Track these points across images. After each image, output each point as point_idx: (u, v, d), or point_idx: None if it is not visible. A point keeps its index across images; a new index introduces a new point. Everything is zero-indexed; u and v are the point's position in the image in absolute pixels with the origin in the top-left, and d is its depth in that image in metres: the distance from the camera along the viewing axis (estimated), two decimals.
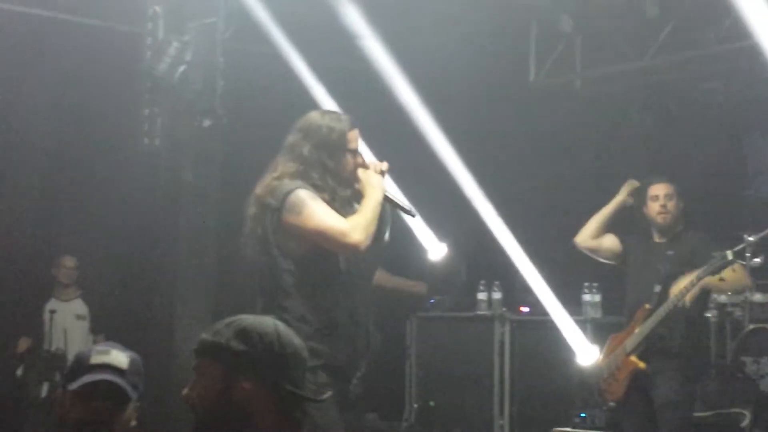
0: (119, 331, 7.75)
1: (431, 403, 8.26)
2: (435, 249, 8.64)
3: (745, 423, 6.80)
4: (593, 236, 6.70)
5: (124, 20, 8.13)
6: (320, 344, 4.24)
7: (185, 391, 2.80)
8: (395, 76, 8.18)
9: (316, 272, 4.37)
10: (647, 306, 6.17)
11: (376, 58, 8.11)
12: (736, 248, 7.17)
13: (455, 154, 8.25)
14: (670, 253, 6.24)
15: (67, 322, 8.46)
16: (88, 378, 3.16)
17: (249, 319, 2.84)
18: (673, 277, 6.13)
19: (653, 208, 6.44)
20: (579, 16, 9.13)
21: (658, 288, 6.16)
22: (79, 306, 8.66)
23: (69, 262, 8.67)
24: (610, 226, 6.70)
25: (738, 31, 7.74)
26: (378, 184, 4.46)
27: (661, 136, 9.69)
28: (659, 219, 6.41)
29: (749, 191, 9.73)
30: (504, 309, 8.22)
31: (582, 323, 7.79)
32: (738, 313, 7.41)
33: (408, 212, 4.76)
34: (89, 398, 3.15)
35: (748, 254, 7.30)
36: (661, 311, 6.09)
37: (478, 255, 8.68)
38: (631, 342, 6.19)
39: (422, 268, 8.80)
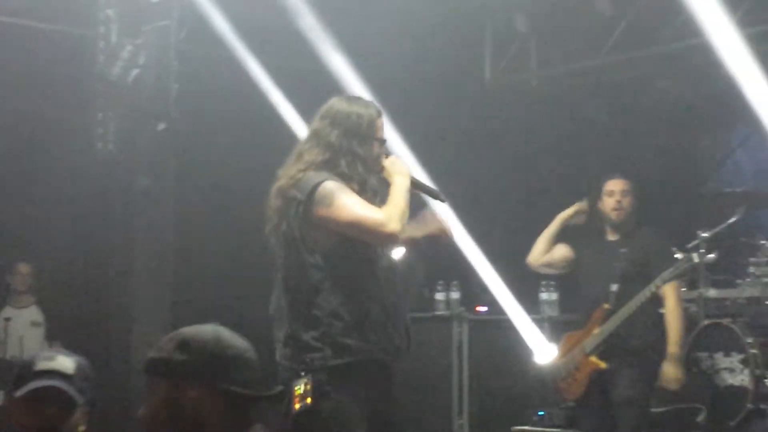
0: (75, 338, 7.70)
1: None
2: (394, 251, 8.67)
3: (701, 417, 6.86)
4: (543, 253, 6.71)
5: (76, 24, 8.07)
6: (354, 340, 4.12)
7: (140, 411, 2.81)
8: (351, 77, 8.17)
9: (345, 266, 4.20)
10: (606, 306, 6.18)
11: (331, 59, 8.10)
12: (690, 245, 7.27)
13: (411, 153, 8.24)
14: (623, 251, 6.24)
15: (23, 329, 8.40)
16: (34, 384, 3.16)
17: (189, 330, 2.83)
18: (630, 275, 6.15)
19: (608, 203, 6.45)
20: (534, 15, 9.17)
21: (615, 287, 6.17)
22: (34, 313, 8.59)
23: (24, 268, 8.61)
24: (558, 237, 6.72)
25: (691, 28, 7.79)
26: (405, 171, 4.34)
27: (616, 134, 9.75)
28: (614, 215, 6.43)
29: (703, 188, 9.82)
30: (462, 309, 8.23)
31: (539, 322, 7.83)
32: (693, 308, 7.47)
33: (437, 197, 4.60)
34: (36, 405, 3.15)
35: (702, 250, 7.38)
36: (623, 312, 6.10)
37: (435, 255, 8.68)
38: (590, 342, 6.21)
39: None
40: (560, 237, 6.70)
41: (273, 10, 7.64)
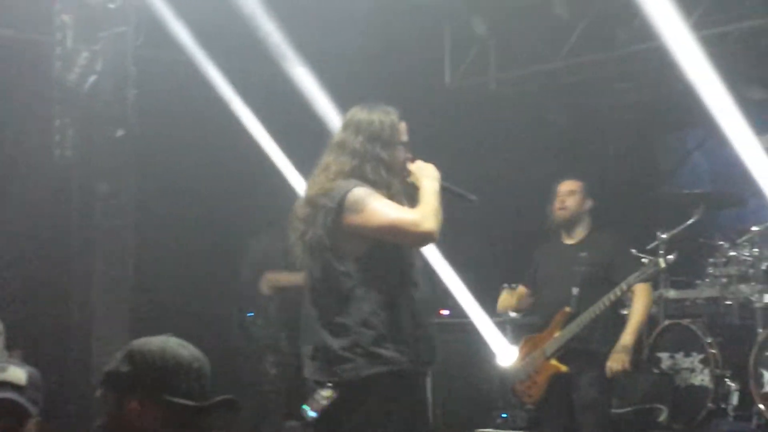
0: (35, 347, 7.62)
1: None
2: None
3: (663, 418, 6.91)
4: (510, 307, 6.82)
5: (32, 30, 7.99)
6: (385, 350, 4.10)
7: (94, 424, 2.88)
8: (309, 82, 8.16)
9: (376, 274, 4.19)
10: (568, 309, 6.20)
11: (290, 62, 8.08)
12: (649, 246, 7.32)
13: None
14: (583, 254, 6.25)
15: None
16: None
17: (138, 342, 2.87)
18: (591, 279, 6.17)
19: (554, 205, 6.50)
20: (492, 18, 9.20)
21: (576, 291, 6.18)
22: None
23: None
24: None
25: (647, 31, 7.85)
26: (433, 174, 4.37)
27: (575, 136, 9.81)
28: (555, 215, 6.47)
29: (662, 189, 9.90)
30: None
31: (501, 325, 7.85)
32: (653, 309, 7.52)
33: (467, 199, 4.64)
34: None
35: (661, 251, 7.44)
36: (585, 316, 6.11)
37: None
38: (551, 345, 6.22)
39: None
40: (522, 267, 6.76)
41: (231, 14, 7.61)
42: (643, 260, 6.02)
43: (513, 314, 7.18)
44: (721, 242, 7.52)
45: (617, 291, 6.04)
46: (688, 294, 7.63)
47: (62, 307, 8.11)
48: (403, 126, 4.44)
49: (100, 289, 7.74)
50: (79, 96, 7.46)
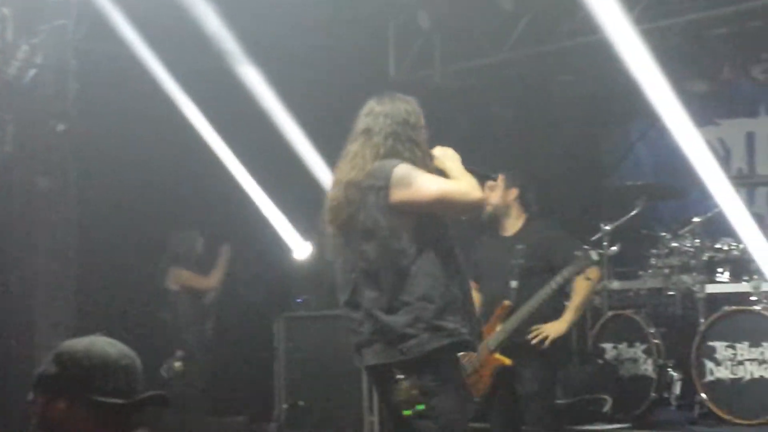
0: None
1: (301, 403, 8.22)
2: (300, 248, 8.65)
3: (607, 407, 6.96)
4: None
5: None
6: (447, 322, 4.17)
7: (29, 427, 2.84)
8: (253, 76, 8.11)
9: (427, 249, 4.25)
10: (507, 302, 6.18)
11: (234, 56, 8.04)
12: (593, 238, 7.37)
13: (317, 152, 8.23)
14: (520, 247, 6.18)
15: None
16: None
17: (67, 343, 2.87)
18: (529, 271, 6.16)
19: None
20: (436, 11, 9.20)
21: (515, 283, 6.13)
22: None
23: None
24: None
25: (590, 25, 7.90)
26: (455, 156, 4.49)
27: (521, 129, 9.85)
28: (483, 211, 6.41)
29: (605, 181, 9.98)
30: None
31: None
32: (597, 300, 7.59)
33: (490, 177, 4.93)
34: None
35: (605, 243, 7.50)
36: (526, 308, 6.09)
37: None
38: (494, 339, 6.18)
39: (288, 268, 8.79)
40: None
41: (174, 7, 7.55)
42: (576, 253, 5.99)
43: None
44: (663, 233, 7.60)
45: (553, 284, 6.01)
46: (632, 285, 7.70)
47: (3, 303, 8.01)
48: (420, 110, 4.56)
49: (43, 284, 7.66)
50: (19, 90, 7.36)
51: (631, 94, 7.68)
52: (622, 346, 7.25)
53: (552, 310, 6.20)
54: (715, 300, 7.15)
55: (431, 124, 9.86)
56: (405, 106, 4.49)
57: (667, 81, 7.40)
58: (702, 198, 7.81)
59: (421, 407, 4.11)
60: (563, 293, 6.38)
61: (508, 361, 6.14)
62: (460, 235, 5.21)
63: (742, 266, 7.16)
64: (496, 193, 6.32)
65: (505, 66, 9.37)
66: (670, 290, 7.43)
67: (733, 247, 7.26)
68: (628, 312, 7.32)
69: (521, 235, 6.28)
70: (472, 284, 6.60)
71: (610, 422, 6.84)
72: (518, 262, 6.13)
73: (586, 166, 9.92)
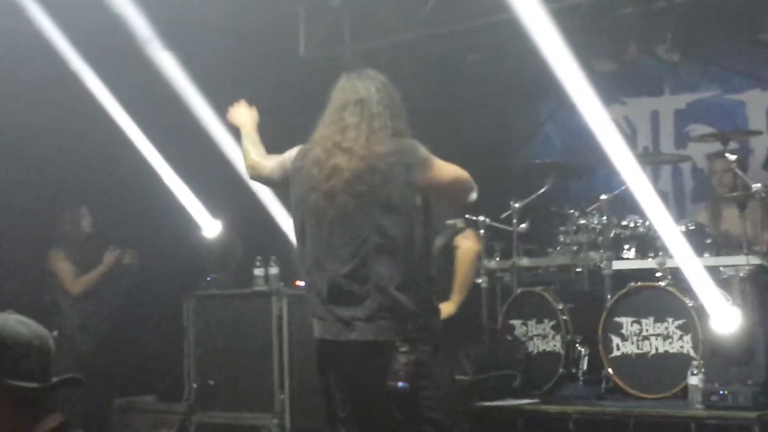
0: None
1: (211, 382, 8.17)
2: (209, 226, 8.58)
3: (516, 383, 7.04)
4: None
5: None
6: (438, 303, 4.43)
7: None
8: (162, 53, 8.00)
9: (431, 230, 4.38)
10: None
11: (142, 34, 7.91)
12: (503, 215, 7.43)
13: (226, 129, 8.15)
14: None
15: None
16: None
17: None
18: None
19: None
20: None
21: None
22: None
23: None
24: None
25: (500, 4, 7.94)
26: None
27: (430, 108, 9.85)
28: None
29: (515, 159, 10.07)
30: (281, 284, 8.20)
31: None
32: (507, 278, 7.66)
33: None
34: None
35: (515, 220, 7.58)
36: None
37: (253, 230, 8.64)
38: None
39: (197, 246, 8.71)
40: None
41: None
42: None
43: None
44: (571, 211, 7.69)
45: None
46: (540, 262, 7.77)
47: None
48: None
49: None
50: None
51: (540, 73, 7.74)
52: (531, 322, 7.33)
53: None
54: (622, 276, 7.25)
55: None
56: (383, 80, 4.59)
57: (575, 60, 7.46)
58: (609, 176, 7.92)
59: (424, 381, 4.21)
60: (451, 272, 6.39)
61: None
62: None
63: (647, 243, 7.28)
64: None
65: (415, 44, 9.39)
66: (578, 267, 7.53)
67: (639, 225, 7.38)
68: (538, 289, 7.40)
69: None
70: None
71: (519, 398, 6.90)
72: None
73: (495, 144, 10.00)
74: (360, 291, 4.26)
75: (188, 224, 8.48)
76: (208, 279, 8.59)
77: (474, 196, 4.51)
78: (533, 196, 7.78)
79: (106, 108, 8.13)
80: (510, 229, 7.66)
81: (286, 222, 8.08)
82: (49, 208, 8.43)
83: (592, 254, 7.39)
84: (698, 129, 9.07)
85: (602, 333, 6.94)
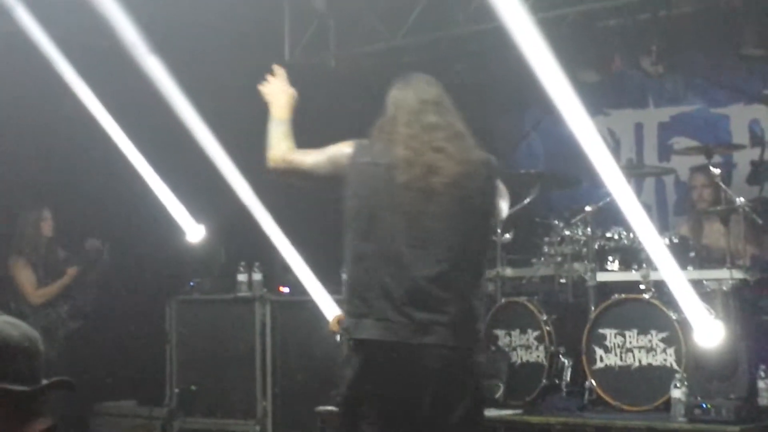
0: None
1: (193, 388, 8.17)
2: (193, 231, 8.55)
3: (499, 394, 7.05)
4: None
5: None
6: None
7: None
8: (147, 56, 7.97)
9: None
10: None
11: (127, 35, 7.88)
12: None
13: (211, 134, 8.13)
14: None
15: None
16: None
17: None
18: None
19: None
20: None
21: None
22: None
23: None
24: None
25: (485, 12, 7.96)
26: None
27: None
28: None
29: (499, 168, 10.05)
30: (264, 290, 8.20)
31: (342, 302, 7.84)
32: (491, 287, 7.67)
33: None
34: None
35: (499, 230, 7.59)
36: None
37: (236, 236, 8.63)
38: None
39: (181, 251, 8.69)
40: None
41: None
42: None
43: None
44: (556, 222, 7.71)
45: None
46: (524, 272, 7.79)
47: None
48: None
49: None
50: None
51: (524, 83, 7.75)
52: (515, 332, 7.34)
53: None
54: (606, 288, 7.28)
55: (325, 107, 9.89)
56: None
57: (560, 70, 7.48)
58: (593, 187, 7.94)
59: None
60: None
61: None
62: None
63: (631, 255, 7.31)
64: None
65: (400, 51, 9.42)
66: (562, 278, 7.55)
67: (623, 237, 7.41)
68: (521, 299, 7.42)
69: None
70: None
71: (502, 408, 6.92)
72: None
73: None
74: (442, 296, 4.17)
75: (171, 229, 8.46)
76: (191, 284, 8.59)
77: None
78: (518, 206, 7.78)
79: (90, 110, 8.09)
80: (494, 239, 7.67)
81: (270, 228, 8.08)
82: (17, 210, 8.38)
83: (577, 265, 7.42)
84: (682, 142, 9.12)
85: (586, 344, 6.97)
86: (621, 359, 6.87)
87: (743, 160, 8.62)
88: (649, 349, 6.79)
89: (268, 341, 7.99)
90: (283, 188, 8.57)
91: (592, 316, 7.02)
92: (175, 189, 8.45)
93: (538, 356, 7.22)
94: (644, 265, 7.09)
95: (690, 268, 7.06)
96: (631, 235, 7.27)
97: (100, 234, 8.60)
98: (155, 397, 8.46)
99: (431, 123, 4.42)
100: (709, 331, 6.47)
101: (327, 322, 7.50)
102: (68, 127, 8.21)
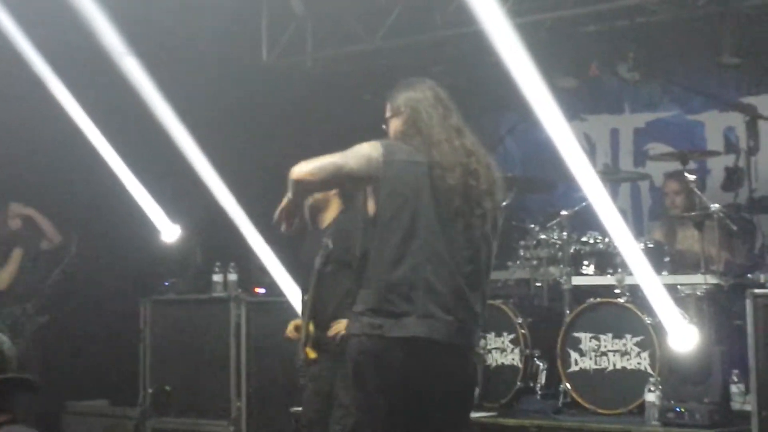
0: None
1: (167, 388, 8.13)
2: (168, 231, 8.53)
3: (474, 396, 7.06)
4: None
5: None
6: None
7: None
8: (126, 56, 7.94)
9: None
10: (305, 297, 5.86)
11: (104, 36, 7.85)
12: None
13: (188, 134, 8.12)
14: (326, 240, 5.78)
15: None
16: None
17: None
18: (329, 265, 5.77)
19: None
20: None
21: (314, 278, 5.75)
22: None
23: None
24: None
25: (463, 16, 7.99)
26: None
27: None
28: None
29: None
30: (240, 290, 8.18)
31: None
32: None
33: None
34: None
35: None
36: (313, 305, 5.74)
37: (212, 236, 8.61)
38: (303, 334, 5.76)
39: (156, 250, 8.67)
40: None
41: None
42: None
43: None
44: (532, 225, 7.74)
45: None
46: (500, 275, 7.82)
47: None
48: None
49: None
50: None
51: (501, 87, 7.78)
52: (490, 335, 7.37)
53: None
54: (581, 292, 7.32)
55: (302, 109, 9.88)
56: None
57: (538, 75, 7.51)
58: (569, 191, 7.99)
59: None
60: None
61: (312, 355, 5.79)
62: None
63: (606, 260, 7.35)
64: None
65: (377, 54, 9.42)
66: (538, 281, 7.60)
67: (598, 241, 7.45)
68: (497, 302, 7.44)
69: (331, 227, 5.97)
70: None
71: (477, 410, 6.94)
72: (320, 255, 5.77)
73: None
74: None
75: (147, 228, 8.44)
76: (166, 284, 8.56)
77: None
78: None
79: (67, 110, 8.06)
80: None
81: (245, 228, 8.07)
82: None
83: (552, 269, 7.46)
84: (657, 147, 9.16)
85: (561, 348, 7.01)
86: (596, 363, 6.90)
87: (717, 166, 8.68)
88: (624, 353, 6.82)
89: (243, 342, 7.97)
90: (256, 190, 8.61)
91: (567, 319, 7.06)
92: (150, 189, 8.43)
93: (513, 359, 7.25)
94: (619, 270, 7.14)
95: (665, 273, 7.11)
96: (607, 239, 7.31)
97: (76, 232, 8.57)
98: (128, 397, 8.43)
99: (456, 125, 4.46)
100: (683, 336, 6.52)
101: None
102: (44, 126, 8.17)
